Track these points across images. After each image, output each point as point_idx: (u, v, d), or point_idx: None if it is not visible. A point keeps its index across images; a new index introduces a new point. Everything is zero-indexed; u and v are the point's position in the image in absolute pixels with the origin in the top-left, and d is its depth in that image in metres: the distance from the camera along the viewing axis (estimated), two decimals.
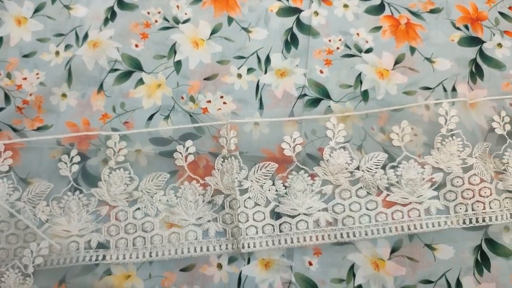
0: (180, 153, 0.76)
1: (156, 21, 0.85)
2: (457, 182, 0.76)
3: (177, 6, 0.86)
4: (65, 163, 0.74)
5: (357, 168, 0.76)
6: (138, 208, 0.74)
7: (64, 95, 0.80)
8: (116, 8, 0.85)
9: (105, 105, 0.79)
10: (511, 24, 0.87)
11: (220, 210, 0.74)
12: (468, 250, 0.74)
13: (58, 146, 0.75)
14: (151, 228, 0.73)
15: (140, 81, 0.81)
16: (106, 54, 0.82)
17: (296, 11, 0.86)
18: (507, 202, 0.75)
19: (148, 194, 0.74)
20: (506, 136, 0.79)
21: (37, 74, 0.81)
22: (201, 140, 0.77)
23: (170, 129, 0.77)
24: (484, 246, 0.75)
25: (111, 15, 0.85)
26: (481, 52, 0.84)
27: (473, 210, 0.75)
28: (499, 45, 0.85)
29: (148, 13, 0.85)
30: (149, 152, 0.76)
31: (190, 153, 0.76)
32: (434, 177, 0.76)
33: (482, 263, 0.74)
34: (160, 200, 0.74)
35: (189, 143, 0.76)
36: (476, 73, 0.83)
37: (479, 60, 0.84)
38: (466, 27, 0.86)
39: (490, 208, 0.75)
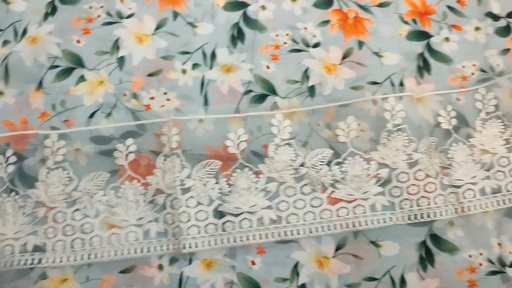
0: (121, 151, 0.74)
1: (98, 16, 0.83)
2: (403, 177, 0.76)
3: (121, 1, 0.84)
4: (0, 163, 0.72)
5: (302, 165, 0.75)
6: (77, 209, 0.72)
7: (1, 93, 0.77)
8: (57, 3, 0.83)
9: (45, 103, 0.77)
10: (459, 18, 0.86)
11: (161, 210, 0.73)
12: (413, 246, 0.74)
13: None
14: (91, 230, 0.71)
15: (82, 78, 0.79)
16: (46, 50, 0.79)
17: (243, 5, 0.85)
18: (452, 197, 0.75)
19: (88, 194, 0.72)
20: (452, 131, 0.79)
21: None
22: (143, 138, 0.75)
23: (111, 127, 0.75)
24: (428, 242, 0.74)
25: (52, 10, 0.82)
26: (428, 47, 0.84)
27: (418, 206, 0.74)
28: (447, 39, 0.85)
29: (91, 7, 0.83)
30: (89, 151, 0.74)
31: (131, 152, 0.74)
32: (379, 173, 0.76)
33: (426, 259, 0.74)
34: (100, 201, 0.72)
35: (130, 141, 0.74)
36: (423, 68, 0.83)
37: (426, 55, 0.83)
38: (414, 21, 0.86)
39: (435, 203, 0.75)
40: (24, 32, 0.80)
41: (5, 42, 0.80)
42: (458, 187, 0.76)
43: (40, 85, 0.78)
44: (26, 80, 0.78)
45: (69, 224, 0.71)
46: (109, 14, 0.83)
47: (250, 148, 0.75)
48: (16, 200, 0.71)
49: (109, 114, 0.76)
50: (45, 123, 0.75)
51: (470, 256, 0.74)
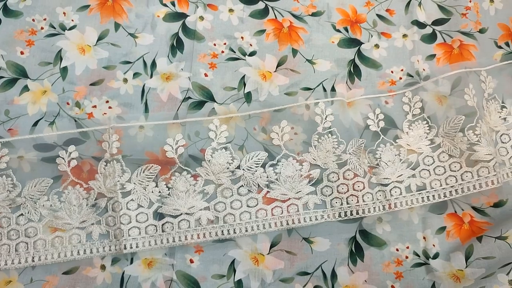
0: (63, 158, 0.77)
1: (42, 28, 0.85)
2: (333, 177, 0.80)
3: (64, 13, 0.87)
4: None
5: (238, 167, 0.79)
6: (22, 214, 0.75)
7: None
8: (0, 15, 0.85)
9: None
10: (388, 25, 0.92)
11: (103, 213, 0.76)
12: (343, 241, 0.79)
13: None
14: (34, 233, 0.74)
15: (25, 88, 0.81)
16: None
17: (182, 16, 0.89)
18: (380, 195, 0.80)
19: (31, 199, 0.75)
20: (380, 132, 0.84)
21: None
22: (86, 145, 0.78)
23: (54, 134, 0.78)
24: (358, 237, 0.79)
25: None
26: (359, 53, 0.89)
27: (347, 203, 0.79)
28: (376, 46, 0.90)
29: (34, 20, 0.86)
30: (32, 158, 0.77)
31: (73, 158, 0.77)
32: (311, 173, 0.80)
33: (356, 253, 0.78)
34: (43, 205, 0.75)
35: (71, 148, 0.77)
36: (354, 73, 0.87)
37: (357, 61, 0.88)
38: (346, 29, 0.91)
39: (363, 201, 0.79)
40: None
41: None
42: (386, 185, 0.81)
43: None
44: None
45: (13, 228, 0.74)
46: (52, 26, 0.86)
47: (188, 152, 0.79)
48: None
49: (52, 123, 0.79)
50: None
51: (397, 249, 0.80)
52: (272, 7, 0.91)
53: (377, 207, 0.79)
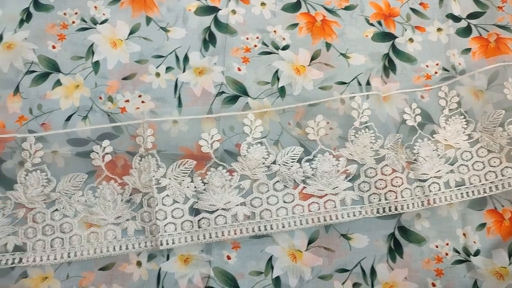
0: (97, 153, 0.76)
1: (73, 22, 0.84)
2: (371, 173, 0.79)
3: (95, 7, 0.86)
4: None
5: (274, 163, 0.78)
6: (56, 210, 0.74)
7: None
8: (31, 9, 0.84)
9: (22, 107, 0.78)
10: (422, 19, 0.90)
11: (138, 208, 0.75)
12: (382, 238, 0.77)
13: None
14: (70, 229, 0.73)
15: (58, 83, 0.80)
16: (22, 56, 0.81)
17: (214, 10, 0.88)
18: (418, 191, 0.78)
19: (66, 195, 0.74)
20: (417, 127, 0.82)
21: None
22: (119, 140, 0.77)
23: (87, 129, 0.77)
24: (397, 234, 0.78)
25: (27, 17, 0.84)
26: (393, 47, 0.88)
27: (386, 199, 0.78)
28: (411, 40, 0.88)
29: (65, 14, 0.85)
30: (66, 153, 0.76)
31: (107, 153, 0.76)
32: (348, 168, 0.79)
33: (395, 250, 0.77)
34: (78, 201, 0.74)
35: (106, 142, 0.76)
36: (389, 67, 0.86)
37: (391, 55, 0.87)
38: (380, 23, 0.89)
39: (402, 197, 0.78)
40: (0, 38, 0.82)
41: None
42: (424, 181, 0.79)
43: (17, 90, 0.79)
44: (2, 85, 0.79)
45: (48, 224, 0.73)
46: (83, 20, 0.85)
47: (223, 147, 0.78)
48: None
49: (85, 117, 0.78)
50: (23, 126, 0.77)
51: (436, 246, 0.78)
52: (304, 1, 0.90)
53: (416, 203, 0.78)
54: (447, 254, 0.78)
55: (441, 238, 0.78)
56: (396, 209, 0.77)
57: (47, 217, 0.73)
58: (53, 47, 0.82)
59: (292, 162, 0.78)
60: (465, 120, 0.83)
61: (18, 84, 0.80)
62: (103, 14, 0.85)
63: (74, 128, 0.77)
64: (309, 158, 0.79)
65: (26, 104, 0.79)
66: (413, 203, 0.78)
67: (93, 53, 0.82)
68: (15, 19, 0.83)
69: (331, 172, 0.78)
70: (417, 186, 0.79)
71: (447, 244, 0.78)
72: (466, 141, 0.82)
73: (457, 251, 0.78)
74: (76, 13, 0.85)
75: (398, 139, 0.80)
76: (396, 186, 0.78)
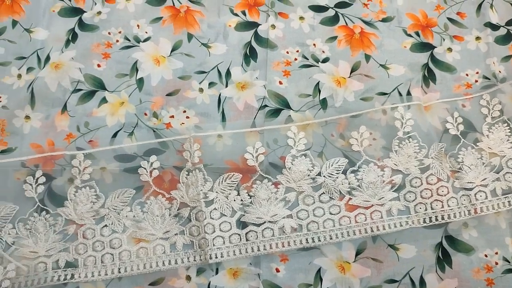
0: (145, 168, 0.77)
1: (117, 40, 0.86)
2: (416, 182, 0.79)
3: (138, 25, 0.88)
4: (30, 184, 0.75)
5: (319, 174, 0.78)
6: (106, 225, 0.75)
7: (27, 117, 0.80)
8: (77, 30, 0.86)
9: (69, 125, 0.80)
10: (460, 29, 0.90)
11: (186, 222, 0.75)
12: (430, 248, 0.77)
13: (23, 168, 0.76)
14: (119, 245, 0.74)
15: (104, 100, 0.82)
16: (69, 75, 0.83)
17: (253, 25, 0.89)
18: (464, 200, 0.78)
19: (115, 210, 0.75)
20: (460, 136, 0.82)
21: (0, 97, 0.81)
22: (165, 155, 0.78)
23: (134, 145, 0.78)
24: (444, 243, 0.77)
25: (72, 37, 0.86)
26: (432, 57, 0.88)
27: (432, 209, 0.77)
28: (449, 49, 0.89)
29: (109, 33, 0.87)
30: (114, 169, 0.77)
31: (154, 168, 0.77)
32: (393, 179, 0.79)
33: (443, 260, 0.76)
34: (127, 216, 0.75)
35: (153, 158, 0.77)
36: (428, 77, 0.86)
37: (431, 65, 0.87)
38: (417, 33, 0.90)
39: (448, 206, 0.77)
40: (47, 58, 0.84)
41: (29, 69, 0.83)
42: (470, 189, 0.79)
43: (64, 108, 0.81)
44: (51, 104, 0.81)
45: (98, 240, 0.74)
46: (127, 38, 0.86)
47: (268, 160, 0.78)
48: (46, 219, 0.74)
49: (131, 133, 0.80)
50: (71, 144, 0.78)
51: (485, 255, 0.77)
52: (342, 14, 0.90)
53: (463, 212, 0.77)
54: (496, 263, 0.77)
55: (490, 247, 0.77)
56: (442, 218, 0.77)
57: (96, 233, 0.74)
58: (98, 65, 0.84)
59: (337, 173, 0.78)
60: (508, 127, 0.82)
61: (65, 103, 0.81)
62: (146, 32, 0.87)
63: (121, 145, 0.78)
64: (354, 169, 0.79)
65: (73, 122, 0.80)
66: (459, 212, 0.77)
67: (137, 70, 0.84)
68: (62, 39, 0.85)
69: (377, 183, 0.78)
70: (463, 195, 0.78)
71: (496, 253, 0.77)
72: (511, 148, 0.81)
73: (507, 260, 0.77)
74: (119, 32, 0.87)
75: (441, 148, 0.80)
76: (442, 195, 0.78)
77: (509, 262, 0.76)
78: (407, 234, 0.77)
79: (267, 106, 0.83)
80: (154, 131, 0.80)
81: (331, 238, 0.76)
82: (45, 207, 0.74)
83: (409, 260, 0.76)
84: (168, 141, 0.79)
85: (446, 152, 0.81)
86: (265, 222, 0.75)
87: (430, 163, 0.79)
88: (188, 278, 0.74)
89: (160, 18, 0.88)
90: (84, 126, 0.80)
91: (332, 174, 0.78)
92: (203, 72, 0.85)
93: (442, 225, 0.78)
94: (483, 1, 0.92)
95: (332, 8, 0.91)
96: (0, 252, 0.71)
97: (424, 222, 0.77)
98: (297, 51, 0.87)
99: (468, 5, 0.92)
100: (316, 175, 0.78)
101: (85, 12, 0.88)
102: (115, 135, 0.80)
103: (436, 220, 0.77)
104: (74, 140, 0.79)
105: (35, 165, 0.76)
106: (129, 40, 0.86)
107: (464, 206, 0.78)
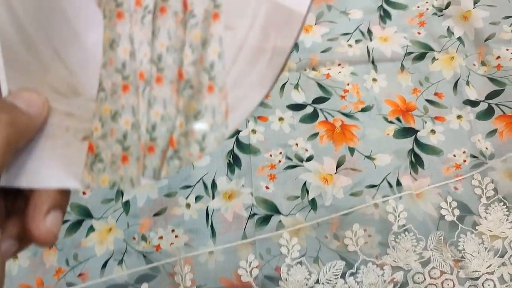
0: None
1: None
2: (418, 278, 0.76)
3: None
4: None
5: (317, 282, 0.76)
6: None
7: (15, 257, 0.79)
8: None
9: (58, 259, 0.79)
10: (440, 109, 0.90)
11: None
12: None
13: None
14: None
15: (91, 229, 0.81)
16: None
17: (234, 132, 0.89)
18: None
19: None
20: (457, 222, 0.80)
21: None
22: (157, 280, 0.76)
23: (124, 274, 0.76)
24: None
25: None
26: (417, 141, 0.87)
27: None
28: (432, 131, 0.88)
29: None
30: None
31: None
32: (394, 277, 0.76)
33: None
34: None
35: (144, 285, 0.75)
36: (416, 163, 0.85)
37: (416, 150, 0.86)
38: (398, 119, 0.89)
39: None
40: None
41: None
42: (476, 278, 0.76)
43: None
44: None
45: None
46: None
47: (263, 273, 0.76)
48: None
49: (121, 261, 0.78)
50: (61, 280, 0.76)
51: None
52: (321, 109, 0.91)
53: None
54: None
55: None
56: None
57: None
58: (84, 193, 0.84)
59: (335, 278, 0.76)
60: (505, 206, 0.80)
61: None
62: None
63: (111, 275, 0.76)
64: (353, 272, 0.76)
65: (62, 255, 0.79)
66: None
67: (122, 194, 0.83)
68: None
69: (378, 284, 0.75)
70: (471, 285, 0.75)
71: None
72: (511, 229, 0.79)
73: None
74: None
75: (440, 237, 0.78)
76: None
77: None
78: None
79: (256, 214, 0.81)
80: (144, 256, 0.79)
81: None
82: None
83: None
84: (159, 265, 0.77)
85: (446, 240, 0.78)
86: None
87: (431, 256, 0.77)
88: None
89: None
90: (73, 258, 0.79)
91: (330, 280, 0.76)
92: (189, 187, 0.84)
93: None
94: (459, 78, 0.92)
95: (310, 105, 0.91)
96: None
97: None
98: (280, 152, 0.87)
99: (444, 84, 0.92)
100: (315, 283, 0.76)
101: None
102: (105, 265, 0.78)
103: None
104: (64, 275, 0.77)
105: None
106: None
107: None
